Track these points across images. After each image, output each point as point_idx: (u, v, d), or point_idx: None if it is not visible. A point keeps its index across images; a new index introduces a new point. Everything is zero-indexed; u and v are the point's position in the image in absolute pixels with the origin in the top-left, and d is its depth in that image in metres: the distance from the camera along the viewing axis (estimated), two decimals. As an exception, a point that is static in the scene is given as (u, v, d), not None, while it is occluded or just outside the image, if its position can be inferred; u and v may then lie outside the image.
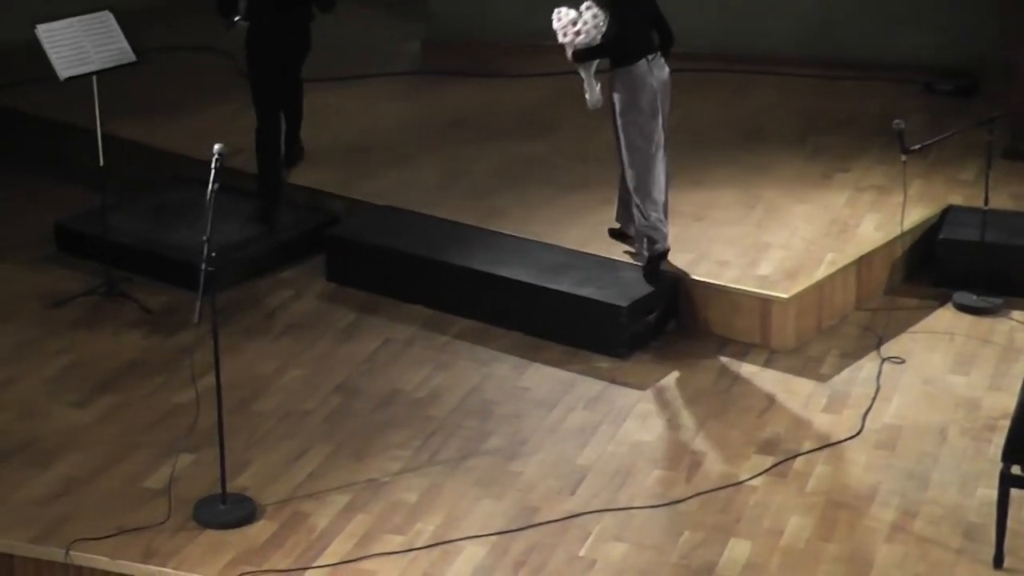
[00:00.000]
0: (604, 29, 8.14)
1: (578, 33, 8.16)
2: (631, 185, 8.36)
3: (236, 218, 9.17)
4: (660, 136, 8.29)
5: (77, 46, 8.51)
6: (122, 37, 8.62)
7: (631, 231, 8.59)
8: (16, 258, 9.33)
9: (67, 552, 6.62)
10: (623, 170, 8.44)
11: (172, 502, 6.87)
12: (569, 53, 8.27)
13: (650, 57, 8.19)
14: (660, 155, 8.31)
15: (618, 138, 8.34)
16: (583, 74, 8.37)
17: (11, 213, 9.95)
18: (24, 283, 9.02)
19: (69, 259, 9.25)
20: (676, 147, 9.91)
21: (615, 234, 8.74)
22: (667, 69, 8.30)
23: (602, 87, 8.37)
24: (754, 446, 7.37)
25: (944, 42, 11.08)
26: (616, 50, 8.19)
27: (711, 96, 10.97)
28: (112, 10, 8.70)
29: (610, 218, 8.76)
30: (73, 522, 6.81)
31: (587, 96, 8.39)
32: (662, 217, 8.37)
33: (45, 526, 6.79)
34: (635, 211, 8.37)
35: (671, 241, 8.47)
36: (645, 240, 8.39)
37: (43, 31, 8.48)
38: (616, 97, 8.25)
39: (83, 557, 6.62)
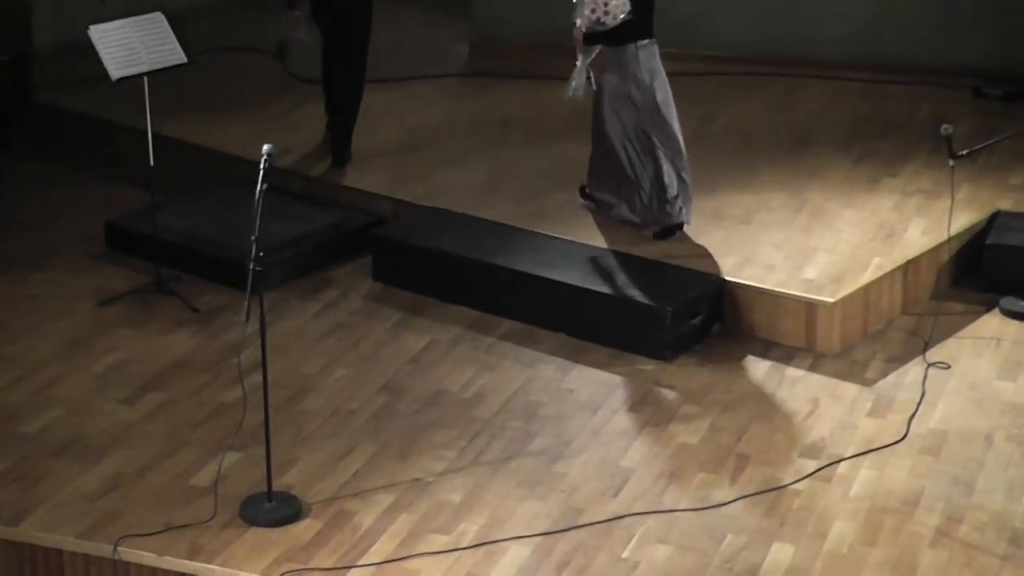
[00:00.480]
0: (623, 15, 8.25)
1: (606, 12, 8.23)
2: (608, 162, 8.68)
3: (284, 217, 9.23)
4: (673, 130, 8.50)
5: (129, 47, 8.56)
6: (173, 38, 8.67)
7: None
8: (66, 256, 9.39)
9: (115, 548, 6.68)
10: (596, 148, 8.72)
11: (218, 500, 6.92)
12: (581, 35, 8.35)
13: (640, 43, 8.32)
14: (667, 151, 8.52)
15: (597, 118, 8.59)
16: (579, 60, 8.44)
17: (62, 212, 10.02)
18: (74, 281, 9.09)
19: (119, 258, 9.32)
20: (723, 150, 9.94)
21: (660, 235, 8.75)
22: (658, 58, 8.46)
23: (591, 80, 8.52)
24: (798, 450, 7.36)
25: (993, 47, 11.02)
26: (616, 33, 8.32)
27: (759, 99, 10.95)
28: (163, 11, 8.76)
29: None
30: (121, 518, 6.87)
31: (571, 83, 8.47)
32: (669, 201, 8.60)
33: (93, 522, 6.85)
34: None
35: (719, 245, 8.50)
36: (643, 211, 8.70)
37: (96, 32, 8.54)
38: (606, 80, 8.46)
39: (131, 553, 6.67)
